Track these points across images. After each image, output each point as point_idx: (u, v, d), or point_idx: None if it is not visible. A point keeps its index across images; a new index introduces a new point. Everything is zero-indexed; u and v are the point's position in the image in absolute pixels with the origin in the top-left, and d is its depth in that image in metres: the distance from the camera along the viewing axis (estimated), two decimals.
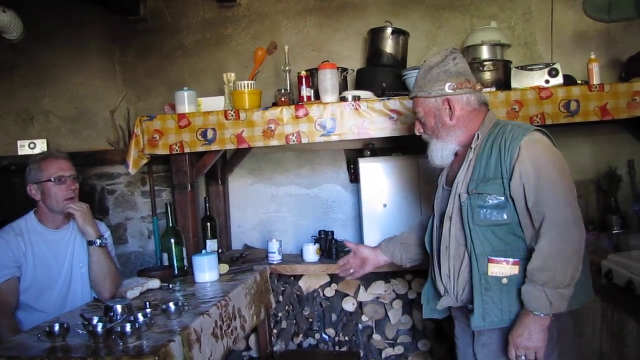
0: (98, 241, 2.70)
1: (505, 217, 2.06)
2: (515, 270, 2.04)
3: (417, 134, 2.32)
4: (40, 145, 4.14)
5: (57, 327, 2.08)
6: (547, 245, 1.95)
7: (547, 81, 3.17)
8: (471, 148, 2.16)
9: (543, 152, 2.06)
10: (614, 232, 3.25)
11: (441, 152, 2.23)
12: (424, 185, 3.30)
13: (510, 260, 2.05)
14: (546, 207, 1.97)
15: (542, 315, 1.95)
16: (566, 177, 2.04)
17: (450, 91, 2.16)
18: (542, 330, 1.97)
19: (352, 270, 2.72)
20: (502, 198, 2.05)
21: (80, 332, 2.08)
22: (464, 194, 2.13)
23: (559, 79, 3.18)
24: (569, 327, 2.16)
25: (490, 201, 2.06)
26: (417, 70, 3.24)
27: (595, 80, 3.18)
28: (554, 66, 3.19)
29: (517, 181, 2.03)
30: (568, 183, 2.03)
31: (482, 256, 2.07)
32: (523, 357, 2.00)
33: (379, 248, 2.68)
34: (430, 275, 2.37)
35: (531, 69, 3.22)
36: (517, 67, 3.27)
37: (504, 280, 2.05)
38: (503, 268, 2.04)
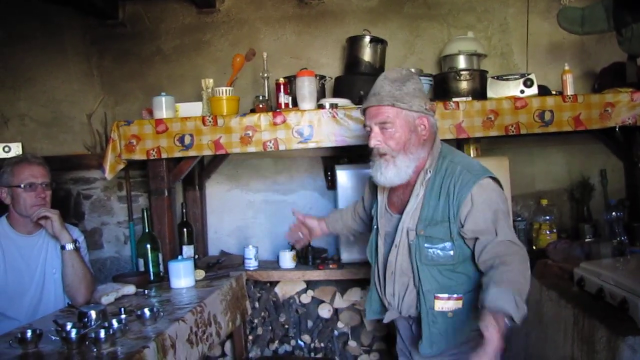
0: (71, 245, 2.68)
1: (451, 258, 2.12)
2: (459, 304, 2.12)
3: (372, 145, 2.18)
4: (15, 149, 4.07)
5: (29, 333, 2.06)
6: (508, 259, 1.94)
7: (522, 91, 3.22)
8: (419, 182, 2.18)
9: (492, 193, 2.10)
10: (586, 240, 3.29)
11: (405, 170, 2.17)
12: None
13: (455, 295, 2.12)
14: (500, 231, 2.03)
15: (506, 315, 1.72)
16: (509, 216, 2.18)
17: (426, 110, 2.18)
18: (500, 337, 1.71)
19: (301, 235, 2.79)
20: (449, 241, 2.11)
21: (53, 338, 2.06)
22: (412, 231, 2.16)
23: (534, 89, 3.23)
24: None
25: (438, 244, 2.11)
26: None
27: (569, 91, 3.24)
28: (529, 77, 3.24)
29: (466, 218, 2.07)
30: (510, 221, 2.18)
31: (428, 292, 2.14)
32: None
33: (324, 222, 2.79)
34: (374, 282, 2.41)
35: (507, 79, 3.26)
36: (493, 77, 3.31)
37: (450, 314, 2.12)
38: (447, 303, 2.13)
